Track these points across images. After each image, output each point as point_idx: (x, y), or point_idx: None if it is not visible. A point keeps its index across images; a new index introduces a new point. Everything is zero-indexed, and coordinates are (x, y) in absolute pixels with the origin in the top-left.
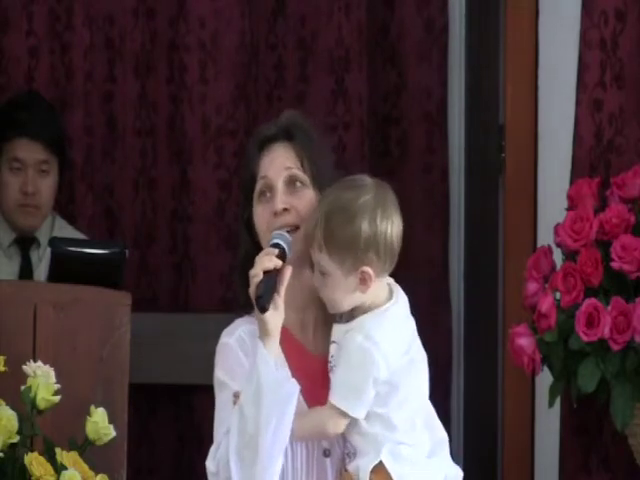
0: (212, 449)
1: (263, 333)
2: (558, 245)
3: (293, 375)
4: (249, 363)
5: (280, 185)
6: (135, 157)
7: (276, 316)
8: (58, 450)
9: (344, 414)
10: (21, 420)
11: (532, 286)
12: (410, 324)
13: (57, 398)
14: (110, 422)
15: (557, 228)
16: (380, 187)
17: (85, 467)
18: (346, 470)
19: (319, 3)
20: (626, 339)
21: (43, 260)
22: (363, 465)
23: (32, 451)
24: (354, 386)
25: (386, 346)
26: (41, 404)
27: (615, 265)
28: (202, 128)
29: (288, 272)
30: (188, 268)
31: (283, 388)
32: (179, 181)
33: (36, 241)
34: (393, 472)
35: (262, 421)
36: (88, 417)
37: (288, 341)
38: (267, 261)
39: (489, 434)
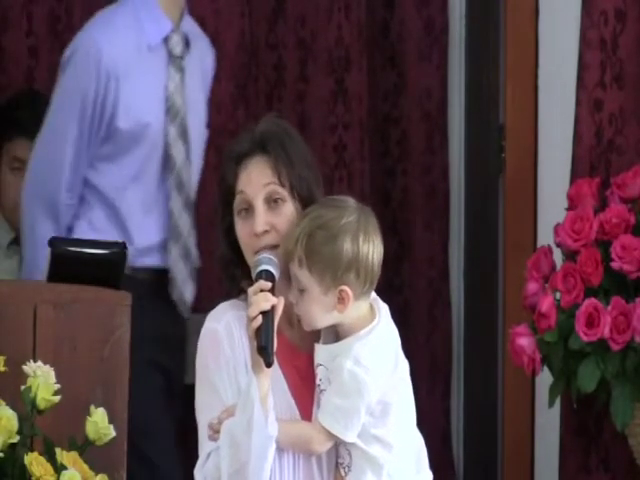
0: (200, 460)
1: (259, 369)
2: (558, 245)
3: (284, 371)
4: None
5: (259, 204)
6: None
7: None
8: (58, 450)
9: (331, 436)
10: (21, 420)
11: (532, 286)
12: (395, 337)
13: (57, 398)
14: (110, 422)
15: (557, 228)
16: (363, 211)
17: (85, 467)
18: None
19: (319, 3)
20: (626, 339)
21: None
22: None
23: (32, 451)
24: (345, 411)
25: (376, 369)
26: (41, 404)
27: (615, 265)
28: None
29: (281, 305)
30: None
31: (266, 429)
32: None
33: None
34: None
35: (252, 452)
36: (88, 417)
37: (279, 338)
38: (263, 301)
39: (489, 434)
